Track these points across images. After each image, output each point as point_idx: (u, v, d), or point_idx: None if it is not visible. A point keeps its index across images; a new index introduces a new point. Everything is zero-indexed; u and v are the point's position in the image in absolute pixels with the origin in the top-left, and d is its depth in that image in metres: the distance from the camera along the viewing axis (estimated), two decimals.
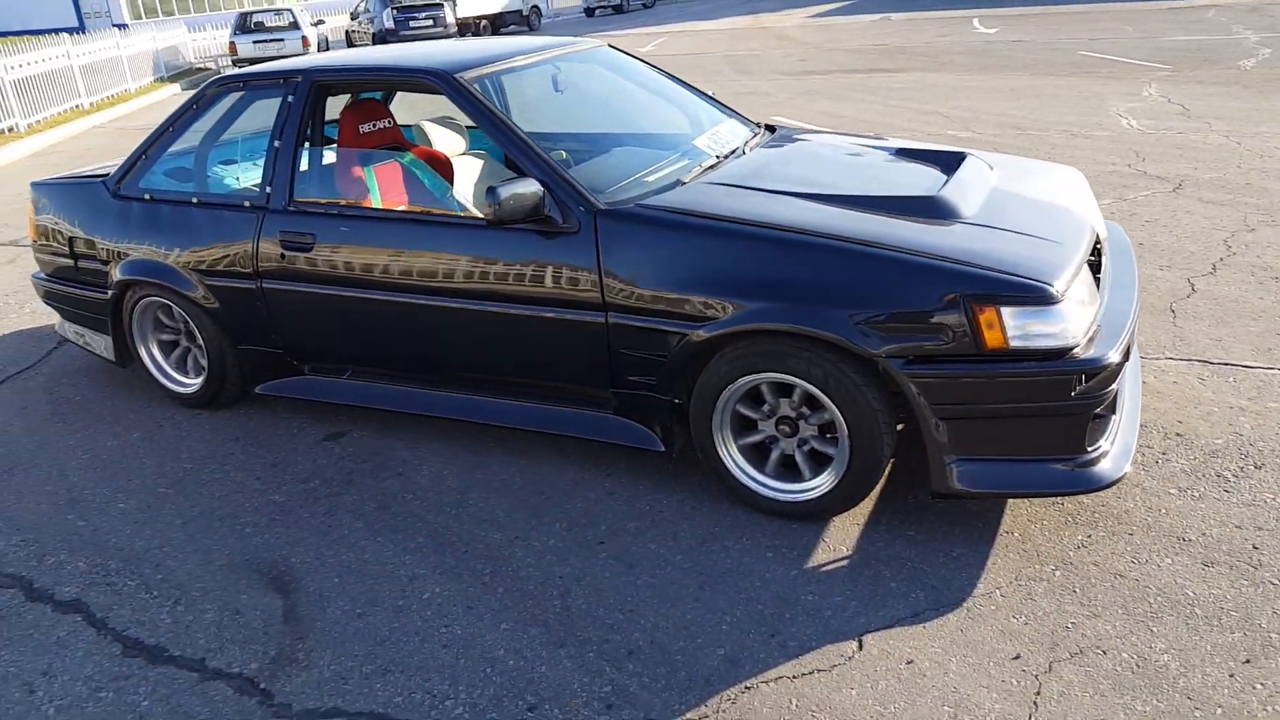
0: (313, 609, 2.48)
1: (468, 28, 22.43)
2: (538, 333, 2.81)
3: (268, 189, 3.22)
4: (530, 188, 2.66)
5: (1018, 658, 2.13)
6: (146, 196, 3.50)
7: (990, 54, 12.42)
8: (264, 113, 3.61)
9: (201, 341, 3.50)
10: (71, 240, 3.72)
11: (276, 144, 3.22)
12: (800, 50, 14.67)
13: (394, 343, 3.11)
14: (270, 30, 18.18)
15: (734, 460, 2.70)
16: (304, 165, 3.25)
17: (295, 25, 18.14)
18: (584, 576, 2.52)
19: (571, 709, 2.08)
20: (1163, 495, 2.68)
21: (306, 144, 3.24)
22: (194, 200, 3.39)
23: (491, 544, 2.70)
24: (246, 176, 3.82)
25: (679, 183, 2.86)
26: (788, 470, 2.68)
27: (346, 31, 22.43)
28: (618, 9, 29.03)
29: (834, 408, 2.47)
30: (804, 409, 2.58)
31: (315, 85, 3.22)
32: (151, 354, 3.72)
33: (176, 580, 2.65)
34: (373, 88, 3.26)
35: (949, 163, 3.07)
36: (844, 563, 2.50)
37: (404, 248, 2.95)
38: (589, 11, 29.45)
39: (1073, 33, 13.87)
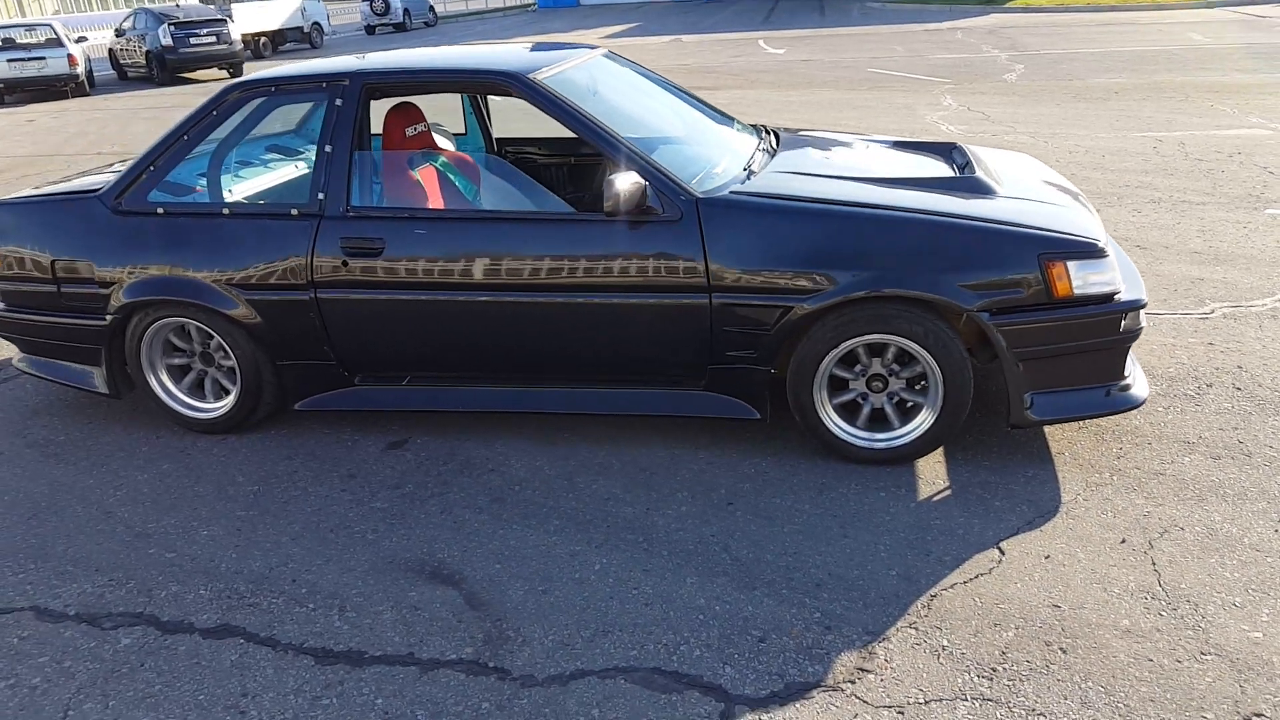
0: (493, 594, 2.53)
1: (248, 44, 21.18)
2: (638, 318, 2.99)
3: (320, 195, 3.16)
4: (637, 180, 2.85)
5: (1124, 542, 2.62)
6: (159, 211, 3.29)
7: (789, 72, 13.57)
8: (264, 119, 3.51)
9: (233, 361, 3.33)
10: (54, 265, 3.39)
11: (328, 149, 3.16)
12: None
13: (479, 343, 3.15)
14: (27, 48, 16.25)
15: (832, 419, 3.02)
16: (356, 170, 3.21)
17: (58, 42, 16.33)
18: (734, 532, 2.75)
19: (796, 635, 2.32)
20: (1156, 413, 3.31)
21: (357, 148, 3.20)
22: (224, 211, 3.24)
23: (628, 517, 2.85)
24: (254, 184, 3.66)
25: (751, 173, 3.15)
26: (873, 423, 3.04)
27: (110, 50, 20.29)
28: (399, 27, 28.45)
29: (931, 360, 2.86)
30: (894, 365, 2.95)
31: (366, 87, 3.20)
32: (161, 381, 3.47)
33: (327, 590, 2.58)
34: (430, 90, 3.27)
35: (947, 150, 3.58)
36: (947, 493, 2.89)
37: (492, 247, 3.02)
38: (369, 29, 28.65)
39: (852, 52, 15.44)
